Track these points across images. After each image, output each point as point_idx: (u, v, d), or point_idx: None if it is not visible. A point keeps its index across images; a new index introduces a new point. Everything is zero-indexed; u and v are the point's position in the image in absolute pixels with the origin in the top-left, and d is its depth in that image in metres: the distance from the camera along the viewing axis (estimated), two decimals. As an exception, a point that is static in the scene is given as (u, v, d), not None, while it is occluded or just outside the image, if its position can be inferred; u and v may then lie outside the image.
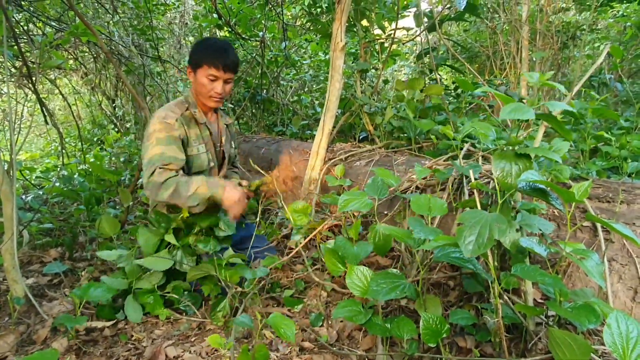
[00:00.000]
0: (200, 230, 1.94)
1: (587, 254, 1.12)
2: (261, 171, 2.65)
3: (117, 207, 3.45)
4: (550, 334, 0.99)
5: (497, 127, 1.30)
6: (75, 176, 3.82)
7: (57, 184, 3.23)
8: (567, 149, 1.54)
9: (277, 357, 1.49)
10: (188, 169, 2.08)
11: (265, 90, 4.66)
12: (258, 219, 2.20)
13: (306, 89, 5.27)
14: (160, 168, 1.89)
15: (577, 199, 1.05)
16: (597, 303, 1.08)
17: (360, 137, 3.40)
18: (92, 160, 4.53)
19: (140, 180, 3.52)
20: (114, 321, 1.76)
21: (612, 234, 1.44)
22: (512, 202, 1.33)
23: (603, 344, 1.25)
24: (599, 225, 1.46)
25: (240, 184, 2.14)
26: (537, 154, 1.14)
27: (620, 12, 6.83)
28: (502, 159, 1.14)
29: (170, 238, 1.87)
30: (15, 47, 2.66)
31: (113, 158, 5.01)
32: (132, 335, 1.69)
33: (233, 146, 2.41)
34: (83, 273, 2.24)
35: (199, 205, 1.93)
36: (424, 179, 2.03)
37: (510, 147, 1.17)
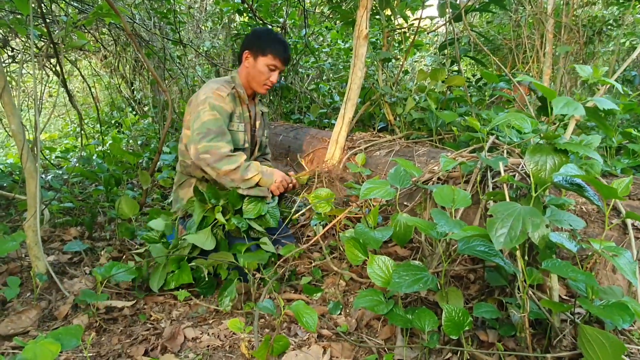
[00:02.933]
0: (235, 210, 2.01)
1: (619, 251, 1.09)
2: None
3: (135, 189, 3.48)
4: (580, 331, 0.96)
5: (532, 119, 1.26)
6: (94, 157, 3.86)
7: (77, 165, 3.26)
8: (598, 143, 1.50)
9: (295, 342, 1.49)
10: None
11: (283, 78, 4.64)
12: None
13: (324, 78, 5.23)
14: (219, 135, 1.95)
15: (618, 196, 1.02)
16: (629, 302, 1.06)
17: (379, 127, 3.36)
18: (110, 142, 4.57)
19: (159, 163, 3.54)
20: (134, 301, 1.78)
21: (643, 232, 1.41)
22: (542, 196, 1.30)
23: (630, 344, 1.22)
24: (629, 222, 1.43)
25: (288, 175, 2.22)
26: (573, 150, 1.10)
27: (649, 7, 6.64)
28: (538, 153, 1.11)
29: (219, 217, 1.91)
30: (40, 26, 2.68)
31: (130, 141, 5.05)
32: (151, 315, 1.71)
33: (265, 135, 2.46)
34: (102, 252, 2.26)
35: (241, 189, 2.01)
36: (446, 170, 2.00)
37: (546, 141, 1.14)
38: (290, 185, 2.13)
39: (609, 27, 6.13)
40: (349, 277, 1.88)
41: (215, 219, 1.92)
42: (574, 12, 5.62)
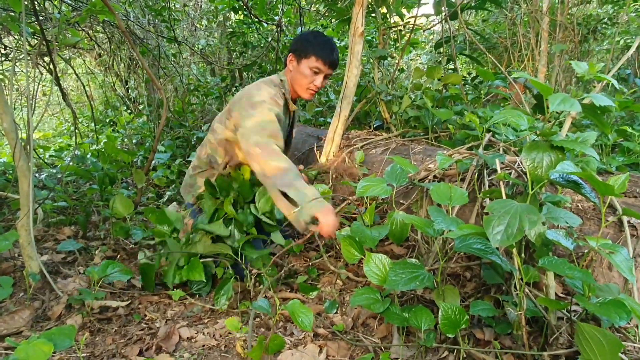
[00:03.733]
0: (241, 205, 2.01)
1: (616, 248, 1.08)
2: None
3: (130, 188, 3.46)
4: (578, 329, 0.96)
5: (529, 117, 1.26)
6: (88, 156, 3.83)
7: (71, 164, 3.24)
8: (594, 140, 1.50)
9: (291, 341, 1.48)
10: None
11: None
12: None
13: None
14: (272, 136, 1.83)
15: (615, 193, 1.02)
16: (626, 299, 1.06)
17: (375, 125, 3.36)
18: (104, 141, 4.54)
19: (154, 162, 3.52)
20: (129, 301, 1.77)
21: (639, 229, 1.41)
22: (538, 194, 1.30)
23: (627, 341, 1.22)
24: (625, 220, 1.43)
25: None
26: (569, 147, 1.10)
27: (643, 6, 6.66)
28: (534, 150, 1.11)
29: (228, 208, 1.89)
30: (33, 24, 2.65)
31: (125, 139, 5.01)
32: (146, 315, 1.70)
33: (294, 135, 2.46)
34: (96, 252, 2.25)
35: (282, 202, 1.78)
36: (442, 168, 2.00)
37: (543, 139, 1.13)
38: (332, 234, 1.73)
39: (604, 25, 6.15)
40: (345, 275, 1.87)
41: (226, 213, 1.93)
42: (569, 11, 5.63)
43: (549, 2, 4.85)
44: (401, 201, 2.16)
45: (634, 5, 6.84)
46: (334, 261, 2.02)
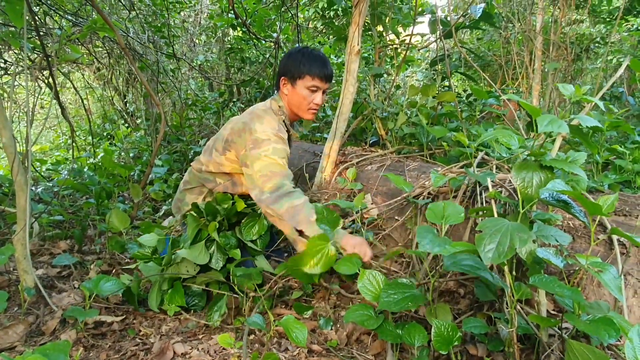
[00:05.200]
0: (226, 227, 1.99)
1: (605, 267, 1.10)
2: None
3: (126, 202, 3.46)
4: (568, 346, 0.98)
5: (519, 136, 1.29)
6: (85, 170, 3.84)
7: (68, 177, 3.25)
8: (584, 159, 1.53)
9: (285, 358, 1.48)
10: None
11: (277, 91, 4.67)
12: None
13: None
14: (284, 178, 1.81)
15: (604, 212, 1.04)
16: (615, 317, 1.07)
17: (371, 142, 3.39)
18: (102, 154, 4.56)
19: (152, 176, 3.53)
20: (124, 316, 1.77)
21: (628, 248, 1.43)
22: (529, 212, 1.32)
23: (617, 359, 1.24)
24: (614, 238, 1.45)
25: None
26: (559, 167, 1.13)
27: (635, 26, 6.80)
28: (524, 169, 1.13)
29: (213, 232, 1.87)
30: (33, 39, 2.69)
31: (122, 153, 5.03)
32: (140, 330, 1.70)
33: None
34: (92, 266, 2.25)
35: (299, 237, 1.78)
36: (437, 186, 2.02)
37: (533, 158, 1.16)
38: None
39: (597, 44, 6.26)
40: (337, 292, 1.88)
41: (209, 235, 1.91)
42: (562, 30, 5.74)
43: (542, 22, 4.95)
44: (396, 217, 2.18)
45: (626, 25, 6.98)
46: (327, 277, 2.03)
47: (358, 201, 2.03)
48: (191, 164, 2.25)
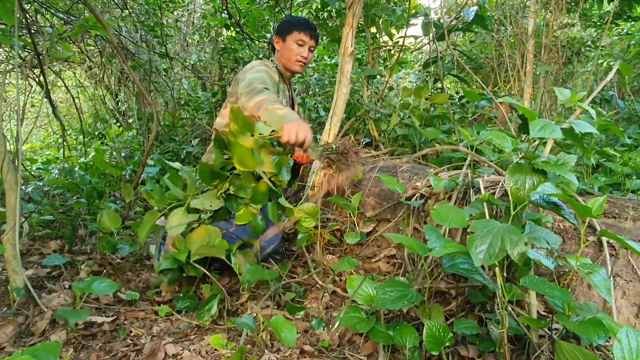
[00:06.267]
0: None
1: (594, 268, 1.12)
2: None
3: (118, 202, 3.44)
4: (557, 347, 0.99)
5: (513, 139, 1.30)
6: (76, 169, 3.81)
7: (58, 177, 3.22)
8: (574, 162, 1.55)
9: (277, 358, 1.48)
10: None
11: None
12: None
13: (310, 92, 5.27)
14: (264, 88, 1.95)
15: (593, 214, 1.05)
16: (604, 318, 1.08)
17: (364, 143, 3.40)
18: (93, 154, 4.52)
19: (144, 176, 3.51)
20: (114, 317, 1.76)
21: (617, 249, 1.45)
22: (521, 214, 1.33)
23: (605, 359, 1.25)
24: (604, 240, 1.47)
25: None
26: (550, 169, 1.14)
27: (625, 30, 6.88)
28: (517, 172, 1.15)
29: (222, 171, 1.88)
30: (24, 37, 2.66)
31: (114, 153, 5.00)
32: (131, 331, 1.68)
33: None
34: (82, 267, 2.23)
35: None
36: (428, 187, 2.03)
37: (526, 161, 1.17)
38: (305, 141, 1.73)
39: (587, 48, 6.33)
40: (332, 291, 1.88)
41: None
42: (554, 34, 5.79)
43: (534, 25, 5.00)
44: (389, 218, 2.19)
45: (616, 29, 7.07)
46: (321, 277, 2.03)
47: (356, 200, 2.05)
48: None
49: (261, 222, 1.97)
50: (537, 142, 1.34)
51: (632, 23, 6.60)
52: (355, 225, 2.15)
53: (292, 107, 2.49)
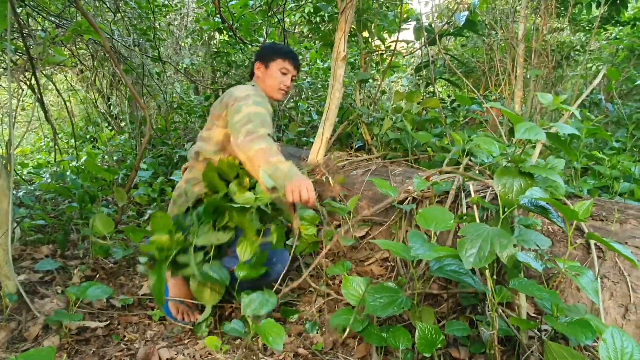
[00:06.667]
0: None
1: (582, 270, 1.14)
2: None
3: (110, 206, 3.43)
4: (546, 347, 1.01)
5: (500, 143, 1.33)
6: (68, 173, 3.80)
7: (49, 181, 3.20)
8: (562, 166, 1.58)
9: (271, 362, 1.49)
10: None
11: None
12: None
13: (303, 96, 5.29)
14: (262, 126, 1.81)
15: (580, 218, 1.08)
16: (592, 319, 1.11)
17: (357, 146, 3.42)
18: (85, 157, 4.50)
19: (137, 179, 3.51)
20: (108, 322, 1.76)
21: (605, 252, 1.47)
22: (510, 217, 1.36)
23: (594, 359, 1.27)
24: (592, 243, 1.49)
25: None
26: (537, 173, 1.16)
27: (614, 35, 6.99)
28: (505, 176, 1.17)
29: (239, 187, 1.79)
30: (16, 41, 2.66)
31: (106, 156, 4.98)
32: (125, 336, 1.69)
33: None
34: (75, 271, 2.22)
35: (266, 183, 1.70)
36: (421, 190, 2.05)
37: (513, 165, 1.20)
38: (309, 199, 1.66)
39: (577, 52, 6.41)
40: (325, 293, 1.89)
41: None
42: (544, 38, 5.86)
43: (524, 29, 5.05)
44: (381, 222, 2.21)
45: (605, 34, 7.17)
46: (315, 280, 2.04)
47: (352, 203, 2.06)
48: (186, 165, 2.18)
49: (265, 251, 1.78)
50: (525, 146, 1.36)
51: (620, 28, 6.70)
52: (350, 228, 2.17)
53: None
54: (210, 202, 1.75)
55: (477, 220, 1.41)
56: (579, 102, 1.65)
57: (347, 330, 1.43)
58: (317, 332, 1.68)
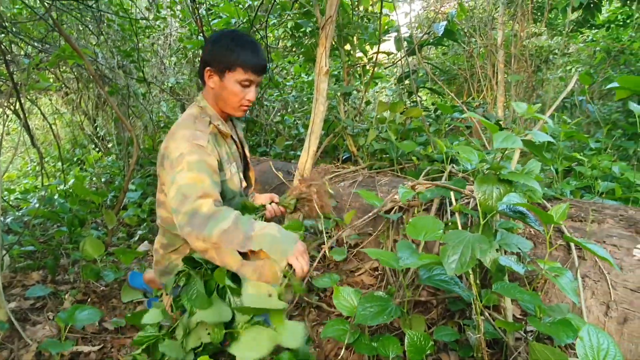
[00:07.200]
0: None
1: (561, 271, 1.18)
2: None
3: (100, 228, 3.42)
4: (530, 348, 1.04)
5: (479, 151, 1.37)
6: (56, 197, 3.78)
7: (37, 206, 3.19)
8: (539, 170, 1.62)
9: (265, 377, 1.50)
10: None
11: (248, 111, 4.71)
12: None
13: (289, 110, 5.34)
14: (200, 198, 1.41)
15: (555, 221, 1.12)
16: (573, 318, 1.15)
17: (344, 158, 3.47)
18: (72, 180, 4.49)
19: (126, 200, 3.51)
20: (101, 345, 1.76)
21: (585, 252, 1.52)
22: (491, 222, 1.40)
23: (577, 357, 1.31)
24: (572, 243, 1.54)
25: (272, 201, 1.84)
26: (515, 179, 1.21)
27: (590, 37, 7.17)
28: (484, 183, 1.21)
29: (222, 279, 1.43)
30: (1, 68, 2.67)
31: (94, 178, 4.97)
32: (118, 359, 1.69)
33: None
34: (66, 296, 2.22)
35: (245, 262, 1.36)
36: (408, 200, 2.09)
37: (492, 172, 1.24)
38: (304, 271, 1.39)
39: (555, 55, 6.56)
40: (316, 304, 1.91)
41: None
42: (522, 43, 6.01)
43: (503, 36, 5.18)
44: (369, 231, 2.24)
45: (582, 37, 7.36)
46: (307, 293, 2.06)
47: (348, 218, 2.08)
48: (157, 222, 1.80)
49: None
50: (504, 152, 1.41)
51: (596, 30, 6.90)
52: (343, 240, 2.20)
53: (244, 155, 1.92)
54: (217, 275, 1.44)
55: (460, 227, 1.45)
56: (552, 108, 1.70)
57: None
58: (309, 345, 1.70)
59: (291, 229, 1.71)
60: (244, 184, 1.81)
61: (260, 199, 1.92)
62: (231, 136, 1.74)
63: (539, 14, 6.39)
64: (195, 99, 1.73)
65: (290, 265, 1.36)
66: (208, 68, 1.63)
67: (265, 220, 1.64)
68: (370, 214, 2.14)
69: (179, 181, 1.45)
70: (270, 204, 1.86)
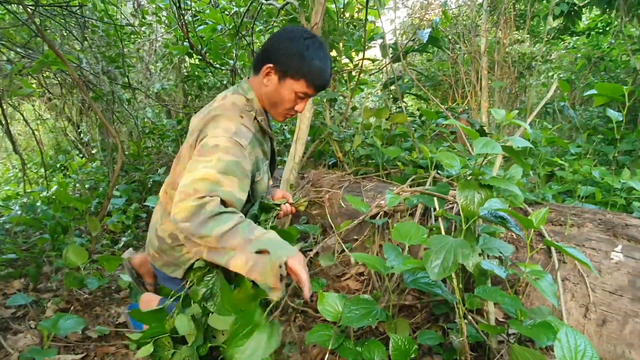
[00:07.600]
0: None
1: (542, 274, 1.20)
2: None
3: (83, 235, 3.38)
4: (511, 350, 1.06)
5: (461, 157, 1.40)
6: (38, 204, 3.73)
7: (19, 213, 3.14)
8: (520, 175, 1.66)
9: (251, 384, 1.50)
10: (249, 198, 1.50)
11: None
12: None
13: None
14: (209, 197, 1.30)
15: (535, 226, 1.15)
16: (553, 321, 1.17)
17: (330, 164, 3.48)
18: (55, 187, 4.43)
19: (110, 207, 3.47)
20: (84, 354, 1.73)
21: (565, 255, 1.55)
22: (474, 227, 1.42)
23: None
24: (553, 247, 1.57)
25: (287, 200, 1.72)
26: (496, 185, 1.23)
27: (571, 44, 7.33)
28: (466, 188, 1.23)
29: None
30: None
31: (77, 185, 4.90)
32: (103, 368, 1.67)
33: None
34: (49, 304, 2.18)
35: (253, 264, 1.25)
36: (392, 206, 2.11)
37: (474, 177, 1.26)
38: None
39: (537, 62, 6.69)
40: (301, 310, 1.92)
41: None
42: (505, 50, 6.11)
43: (486, 43, 5.27)
44: (355, 237, 2.26)
45: (563, 43, 7.51)
46: (291, 298, 2.07)
47: (344, 227, 2.09)
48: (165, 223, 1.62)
49: None
50: (486, 157, 1.44)
51: (576, 38, 7.05)
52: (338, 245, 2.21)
53: (273, 161, 1.79)
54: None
55: (443, 232, 1.47)
56: (533, 114, 1.74)
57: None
58: (292, 351, 1.70)
59: (287, 235, 1.70)
60: (271, 182, 1.72)
61: (276, 196, 1.80)
62: (268, 135, 1.64)
63: (521, 21, 6.51)
64: (240, 86, 1.58)
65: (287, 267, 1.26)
66: (270, 65, 1.48)
67: (277, 219, 1.60)
68: (356, 221, 2.15)
69: (199, 172, 1.33)
70: (284, 203, 1.73)
